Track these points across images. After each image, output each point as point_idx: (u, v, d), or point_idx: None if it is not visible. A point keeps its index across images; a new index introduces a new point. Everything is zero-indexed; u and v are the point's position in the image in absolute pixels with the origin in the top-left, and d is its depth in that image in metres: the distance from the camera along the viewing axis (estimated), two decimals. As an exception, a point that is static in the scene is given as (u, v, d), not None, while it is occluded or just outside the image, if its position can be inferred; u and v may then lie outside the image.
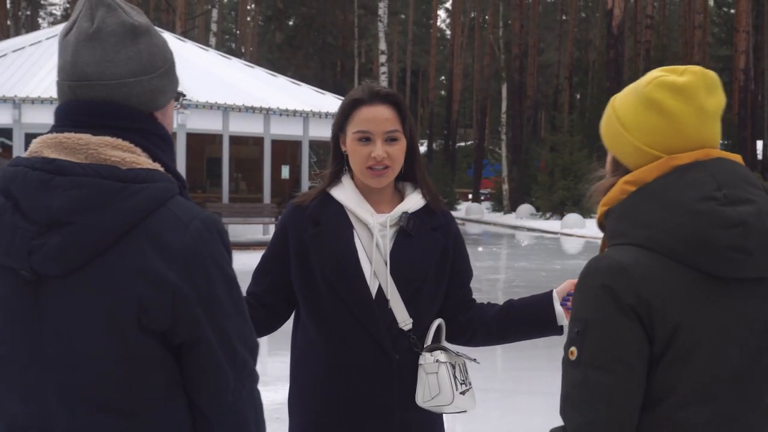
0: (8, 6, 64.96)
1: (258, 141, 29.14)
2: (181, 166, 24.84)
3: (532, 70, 56.50)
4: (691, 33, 48.37)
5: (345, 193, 3.16)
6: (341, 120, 3.15)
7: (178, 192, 2.12)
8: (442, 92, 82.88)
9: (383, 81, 42.66)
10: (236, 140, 28.96)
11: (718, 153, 2.24)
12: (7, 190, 2.04)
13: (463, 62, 69.16)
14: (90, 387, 2.04)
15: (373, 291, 3.08)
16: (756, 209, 2.13)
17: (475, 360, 3.24)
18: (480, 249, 28.15)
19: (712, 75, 2.27)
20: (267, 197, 28.78)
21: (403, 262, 3.09)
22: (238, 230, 26.58)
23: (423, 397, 3.06)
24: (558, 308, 3.22)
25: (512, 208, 47.35)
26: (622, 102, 2.34)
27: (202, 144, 30.23)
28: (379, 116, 3.09)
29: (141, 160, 2.07)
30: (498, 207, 50.31)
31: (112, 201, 1.99)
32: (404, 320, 3.08)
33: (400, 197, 3.22)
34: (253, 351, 2.18)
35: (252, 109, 27.76)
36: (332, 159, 3.25)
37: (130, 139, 2.09)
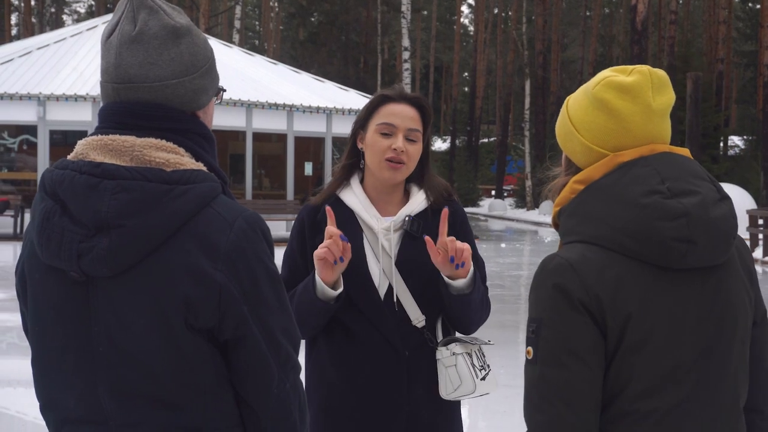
0: (33, 3, 65.25)
1: (281, 138, 29.19)
2: (205, 163, 24.80)
3: (556, 66, 56.29)
4: (715, 28, 48.04)
5: (354, 198, 3.29)
6: (366, 115, 3.28)
7: (221, 191, 2.16)
8: (466, 88, 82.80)
9: (406, 77, 42.62)
10: (259, 137, 29.02)
11: (664, 148, 2.28)
12: (54, 193, 2.08)
13: (486, 58, 69.01)
14: (140, 383, 2.10)
15: (383, 291, 3.19)
16: (700, 200, 2.17)
17: (489, 342, 3.28)
18: (503, 245, 28.13)
19: (661, 74, 2.31)
20: (290, 194, 28.83)
21: (410, 262, 3.19)
22: (261, 227, 26.61)
23: (446, 390, 3.14)
24: (447, 279, 3.13)
25: (535, 205, 47.19)
26: (573, 102, 2.39)
27: (225, 141, 30.28)
28: (405, 113, 3.23)
29: (184, 160, 2.11)
30: (521, 203, 50.23)
31: (159, 203, 2.03)
32: (417, 318, 3.18)
33: (408, 200, 3.32)
34: (296, 344, 2.24)
35: (275, 106, 27.82)
36: (347, 153, 3.36)
37: (173, 139, 2.14)
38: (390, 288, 3.18)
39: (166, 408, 2.11)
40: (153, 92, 2.13)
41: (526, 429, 2.25)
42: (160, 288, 2.05)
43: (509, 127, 63.19)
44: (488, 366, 3.22)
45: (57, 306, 2.14)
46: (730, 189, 31.39)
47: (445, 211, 3.13)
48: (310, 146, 30.40)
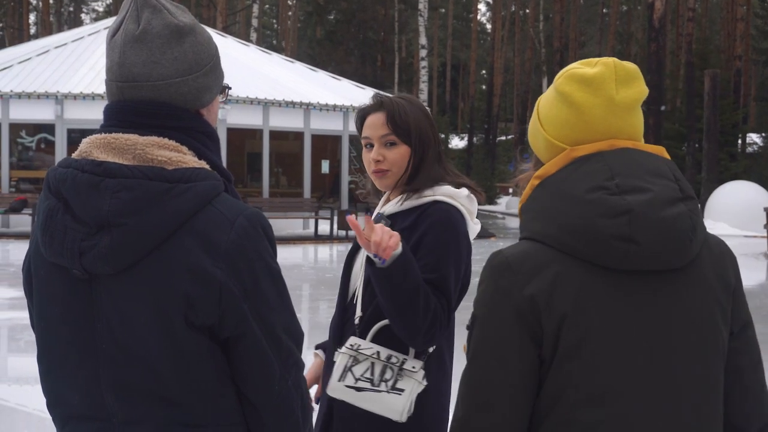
0: (51, 2, 65.49)
1: (298, 136, 29.20)
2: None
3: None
4: (733, 25, 47.85)
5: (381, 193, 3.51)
6: (360, 134, 3.41)
7: (224, 189, 2.17)
8: (483, 86, 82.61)
9: (423, 75, 42.64)
10: (276, 135, 29.04)
11: (625, 143, 2.17)
12: (57, 191, 2.10)
13: (503, 56, 68.94)
14: (142, 379, 2.11)
15: (359, 284, 3.30)
16: (649, 198, 2.05)
17: (413, 369, 3.10)
18: (520, 243, 27.95)
19: (628, 66, 2.21)
20: (307, 192, 28.85)
21: (368, 258, 3.17)
22: (278, 225, 26.65)
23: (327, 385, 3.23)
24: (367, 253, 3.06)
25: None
26: (543, 98, 2.33)
27: (242, 139, 30.32)
28: (375, 122, 3.33)
29: (187, 159, 2.12)
30: (538, 201, 50.03)
31: (160, 202, 2.04)
32: (357, 313, 3.26)
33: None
34: (298, 341, 2.24)
35: (292, 104, 27.84)
36: None
37: (176, 138, 2.15)
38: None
39: (167, 405, 2.12)
40: (156, 91, 2.14)
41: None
42: (161, 286, 2.06)
43: (527, 125, 62.98)
44: (390, 388, 3.07)
45: (61, 303, 2.15)
46: (748, 186, 31.34)
47: (366, 218, 2.97)
48: (327, 144, 30.42)
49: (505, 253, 2.16)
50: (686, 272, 2.11)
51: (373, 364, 3.13)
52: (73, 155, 2.16)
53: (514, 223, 40.67)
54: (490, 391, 2.10)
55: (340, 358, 3.15)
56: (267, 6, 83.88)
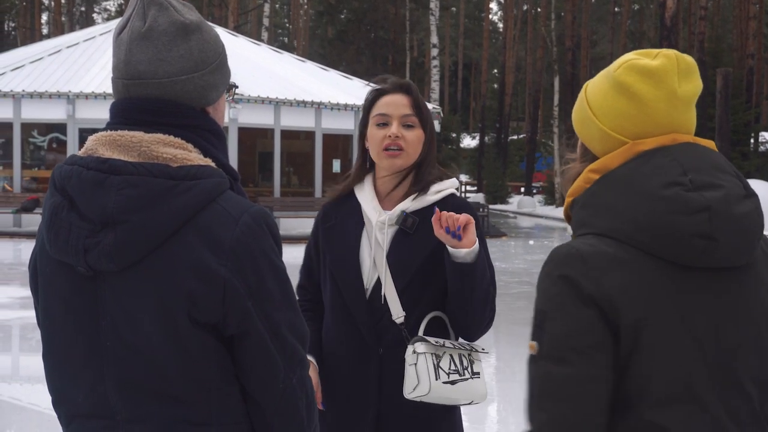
0: (63, 2, 65.69)
1: (309, 135, 29.23)
2: (233, 161, 25.01)
3: (585, 62, 56.10)
4: (745, 24, 47.71)
5: (363, 192, 3.36)
6: (365, 113, 3.36)
7: (229, 186, 2.17)
8: (495, 85, 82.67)
9: (435, 75, 42.62)
10: (288, 134, 29.07)
11: (687, 138, 2.14)
12: (63, 188, 2.10)
13: (515, 55, 68.90)
14: (146, 377, 2.11)
15: (371, 284, 3.23)
16: (723, 194, 2.01)
17: (483, 350, 3.26)
18: (531, 242, 28.04)
19: (688, 60, 2.16)
20: (318, 191, 28.86)
21: (398, 257, 3.21)
22: (289, 224, 26.69)
23: (406, 389, 3.13)
24: (451, 248, 3.10)
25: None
26: (593, 86, 2.25)
27: (253, 138, 30.34)
28: (398, 101, 3.29)
29: (192, 156, 2.12)
30: (550, 200, 50.05)
31: (164, 199, 2.04)
32: (397, 314, 3.19)
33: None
34: (303, 339, 2.23)
35: (303, 104, 27.87)
36: (359, 155, 3.43)
37: (181, 135, 2.14)
38: (378, 281, 3.21)
39: (171, 402, 2.11)
40: (162, 88, 2.14)
41: (528, 429, 2.08)
42: (165, 283, 2.06)
43: (538, 124, 63.00)
44: (472, 373, 3.18)
45: (66, 300, 2.15)
46: (760, 185, 31.23)
47: (437, 211, 3.08)
48: (338, 143, 30.44)
49: (575, 246, 2.07)
50: (746, 269, 2.08)
51: (451, 355, 3.16)
52: (79, 152, 2.16)
53: (526, 222, 40.65)
54: (577, 387, 1.99)
55: (422, 359, 3.09)
56: (278, 5, 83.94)
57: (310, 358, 3.20)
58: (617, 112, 2.15)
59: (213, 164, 2.16)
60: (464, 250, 3.07)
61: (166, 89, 2.14)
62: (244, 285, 2.09)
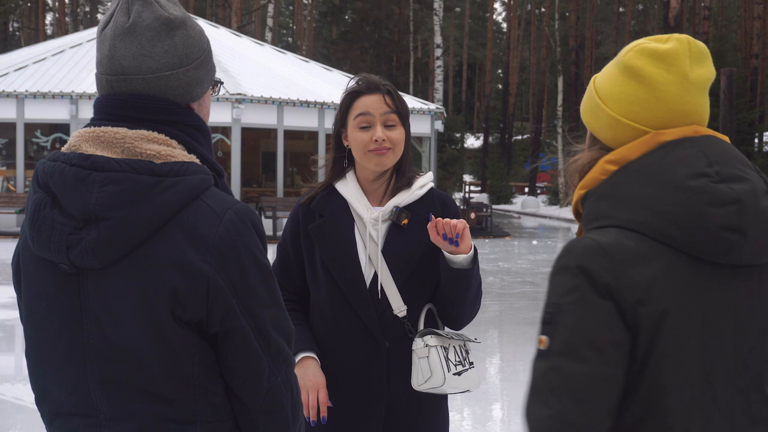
0: (67, 2, 65.80)
1: (313, 135, 29.22)
2: (236, 161, 25.01)
3: (589, 62, 56.09)
4: (750, 24, 47.66)
5: (348, 188, 3.35)
6: (342, 114, 3.36)
7: (213, 183, 2.15)
8: (499, 85, 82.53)
9: (439, 75, 42.61)
10: (291, 135, 29.08)
11: (707, 131, 2.06)
12: (45, 185, 2.08)
13: (519, 55, 68.89)
14: (129, 375, 2.09)
15: (368, 280, 3.25)
16: (750, 187, 1.95)
17: (475, 339, 3.34)
18: (535, 242, 28.04)
19: (701, 45, 2.09)
20: (322, 191, 28.80)
21: (395, 252, 3.25)
22: (293, 224, 26.63)
23: (417, 381, 3.19)
24: (448, 254, 3.17)
25: (568, 202, 46.92)
26: (601, 76, 2.19)
27: (257, 138, 30.35)
28: (376, 101, 3.29)
29: (176, 152, 2.10)
30: (554, 200, 50.06)
31: (147, 196, 2.02)
32: (399, 307, 3.23)
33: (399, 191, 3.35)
34: (288, 337, 2.22)
35: (307, 104, 27.84)
36: (334, 148, 3.43)
37: (165, 131, 2.13)
38: (375, 276, 3.24)
39: (155, 401, 2.10)
40: (146, 84, 2.13)
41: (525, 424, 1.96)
42: (148, 280, 2.04)
43: (542, 124, 63.03)
44: (469, 363, 3.26)
45: (49, 297, 2.13)
46: (765, 185, 31.17)
47: (433, 218, 3.14)
48: (341, 144, 30.36)
49: (594, 238, 1.97)
50: (765, 267, 2.04)
51: (454, 347, 3.25)
52: (63, 149, 2.14)
53: (530, 222, 40.64)
54: (588, 386, 1.89)
55: (434, 352, 3.16)
56: (282, 6, 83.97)
57: (311, 353, 3.25)
58: (628, 97, 2.09)
59: (197, 161, 2.14)
60: (462, 256, 3.15)
61: (150, 85, 2.13)
62: (228, 282, 2.07)
